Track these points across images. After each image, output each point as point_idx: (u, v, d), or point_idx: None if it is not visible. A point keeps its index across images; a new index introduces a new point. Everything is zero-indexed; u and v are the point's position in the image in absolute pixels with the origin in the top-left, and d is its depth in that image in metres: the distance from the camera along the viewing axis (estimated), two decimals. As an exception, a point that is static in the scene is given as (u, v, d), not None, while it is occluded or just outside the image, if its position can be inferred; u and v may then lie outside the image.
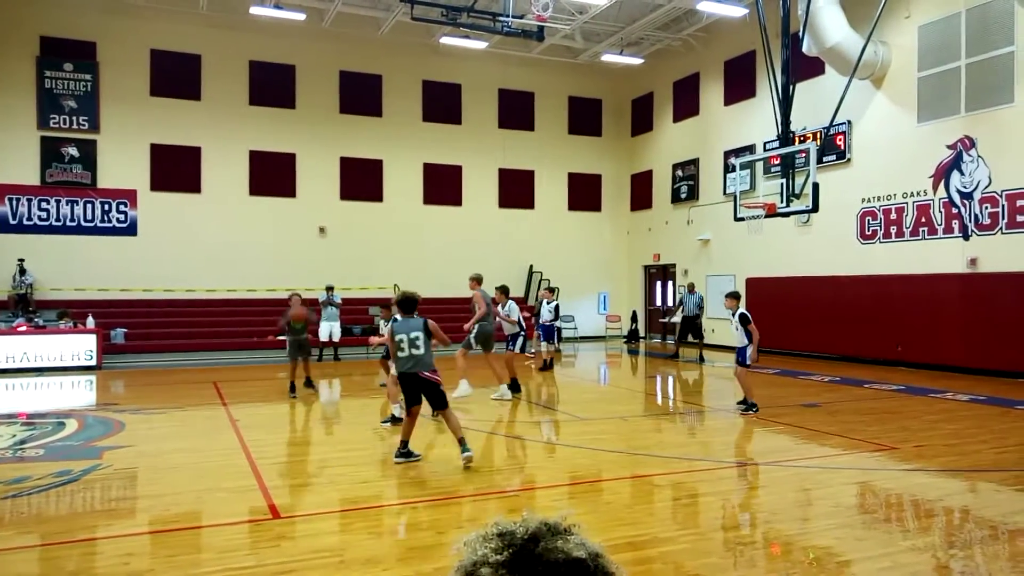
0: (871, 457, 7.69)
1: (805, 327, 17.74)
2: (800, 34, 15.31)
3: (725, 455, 8.17)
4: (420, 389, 7.30)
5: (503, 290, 12.72)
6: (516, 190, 24.03)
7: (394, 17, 19.63)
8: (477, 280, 11.91)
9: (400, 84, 22.50)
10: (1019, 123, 13.51)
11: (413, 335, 7.22)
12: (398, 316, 7.72)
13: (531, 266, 23.84)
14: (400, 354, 7.23)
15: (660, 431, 9.87)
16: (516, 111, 23.98)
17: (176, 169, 20.13)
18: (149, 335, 18.43)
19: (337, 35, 21.02)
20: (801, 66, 15.93)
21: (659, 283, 24.31)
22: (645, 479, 6.96)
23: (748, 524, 5.72)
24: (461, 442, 7.21)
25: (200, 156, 20.40)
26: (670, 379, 15.44)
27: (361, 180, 22.06)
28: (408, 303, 7.46)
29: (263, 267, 20.63)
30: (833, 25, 15.61)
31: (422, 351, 7.21)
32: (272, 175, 21.12)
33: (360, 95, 22.03)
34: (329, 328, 18.01)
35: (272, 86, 21.10)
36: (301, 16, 18.84)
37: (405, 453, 7.37)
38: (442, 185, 23.05)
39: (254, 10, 18.23)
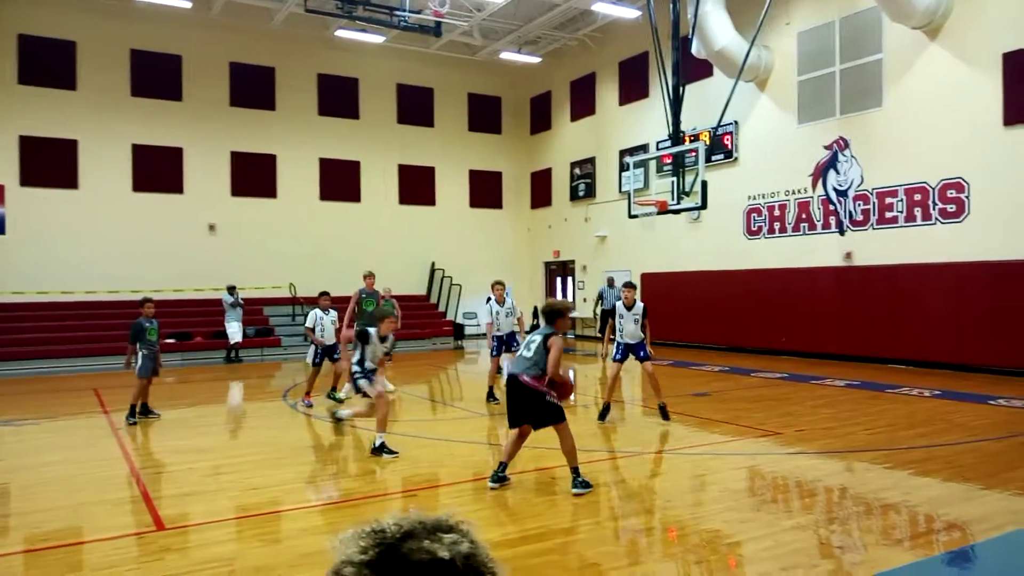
0: (757, 442, 8.06)
1: (696, 320, 18.44)
2: (690, 37, 15.89)
3: (621, 445, 8.37)
4: (520, 399, 6.31)
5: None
6: (417, 187, 23.82)
7: (287, 8, 19.05)
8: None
9: (294, 77, 21.86)
10: (887, 126, 14.49)
11: (533, 338, 6.41)
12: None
13: (433, 263, 23.71)
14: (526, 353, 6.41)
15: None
16: (415, 107, 23.76)
17: (50, 163, 18.82)
18: (21, 340, 17.15)
19: (227, 25, 20.21)
20: (691, 68, 16.53)
21: (559, 279, 24.68)
22: (546, 472, 7.03)
23: (644, 511, 5.88)
24: (574, 472, 6.27)
25: (77, 150, 19.14)
26: (571, 372, 15.70)
27: (253, 176, 21.30)
28: (551, 313, 6.56)
29: (148, 267, 19.59)
30: (720, 29, 16.29)
31: (531, 354, 6.30)
32: (157, 170, 20.07)
33: (252, 88, 21.26)
34: (237, 329, 17.55)
35: (156, 76, 20.04)
36: (187, 4, 17.99)
37: (501, 477, 6.44)
38: (340, 181, 22.56)
39: (134, -5, 17.28)
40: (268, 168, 21.54)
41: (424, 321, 22.30)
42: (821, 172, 15.79)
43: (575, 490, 6.14)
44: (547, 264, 25.02)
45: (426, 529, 0.91)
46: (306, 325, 11.24)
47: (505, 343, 11.20)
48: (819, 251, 15.81)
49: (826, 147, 15.65)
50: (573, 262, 23.67)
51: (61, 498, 6.31)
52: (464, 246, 24.20)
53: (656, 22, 14.79)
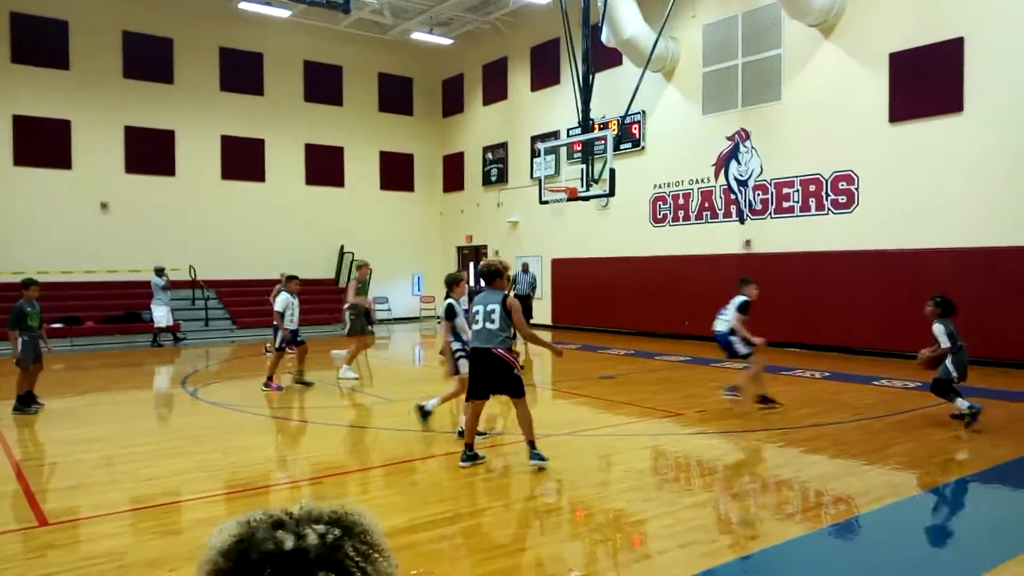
0: (660, 423, 8.31)
1: (604, 305, 18.80)
2: (600, 24, 16.06)
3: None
4: (491, 370, 6.30)
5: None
6: (324, 167, 23.21)
7: (186, -24, 18.12)
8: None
9: (194, 50, 20.84)
10: (785, 119, 15.12)
11: (490, 308, 6.27)
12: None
13: (342, 246, 23.21)
14: (474, 326, 6.36)
15: (463, 409, 9.99)
16: (323, 85, 23.11)
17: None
18: None
19: (119, -9, 19.04)
20: (601, 56, 16.73)
21: (472, 264, 24.63)
22: (453, 456, 7.02)
23: (551, 492, 5.95)
24: (531, 445, 6.41)
25: (-49, 119, 17.65)
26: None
27: (150, 152, 20.22)
28: (490, 274, 6.46)
29: (33, 246, 18.35)
30: (629, 18, 16.54)
31: (497, 326, 6.24)
32: (42, 144, 18.76)
33: (147, 59, 20.13)
34: (166, 313, 16.85)
35: (41, 43, 18.69)
36: (74, -34, 16.83)
37: (472, 456, 6.48)
38: (243, 159, 21.71)
39: (14, -46, 16.03)
40: (166, 144, 20.49)
41: (333, 306, 21.81)
42: (723, 162, 16.34)
43: (533, 462, 6.28)
44: (459, 248, 24.92)
45: (294, 520, 0.89)
46: (276, 309, 10.73)
47: None
48: (721, 239, 16.37)
49: (728, 138, 16.19)
50: (486, 247, 23.67)
51: (-70, 495, 5.84)
52: (375, 229, 23.78)
53: (567, 8, 14.87)
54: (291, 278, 11.07)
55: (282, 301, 10.74)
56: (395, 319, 23.68)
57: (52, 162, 18.89)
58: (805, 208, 14.82)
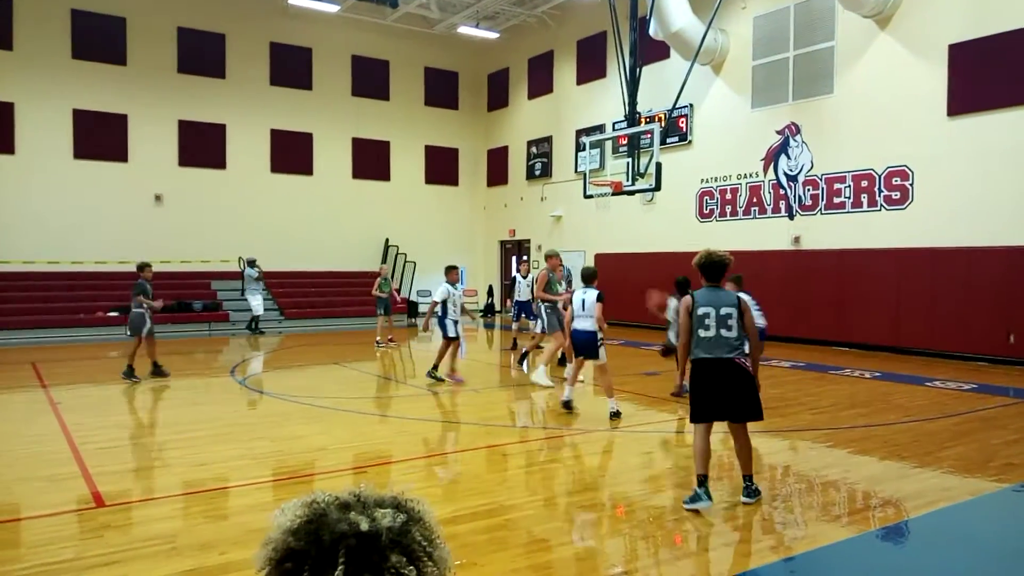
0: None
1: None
2: (648, 17, 15.89)
3: (572, 423, 8.44)
4: (732, 385, 5.31)
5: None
6: (371, 161, 23.46)
7: (238, -27, 18.46)
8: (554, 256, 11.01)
9: (245, 45, 21.23)
10: (837, 113, 14.77)
11: (724, 311, 5.34)
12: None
13: (387, 239, 23.44)
14: (703, 333, 5.33)
15: (513, 402, 10.05)
16: (370, 79, 23.33)
17: (-17, 127, 17.97)
18: (-47, 312, 16.48)
19: (174, -12, 19.49)
20: (648, 49, 16.55)
21: (515, 258, 24.66)
22: (496, 448, 7.05)
23: (593, 488, 5.94)
24: (748, 480, 5.39)
25: (12, 113, 18.32)
26: (521, 352, 15.74)
27: (202, 145, 20.69)
28: (717, 267, 5.61)
29: (90, 237, 18.95)
30: (677, 11, 16.32)
31: (734, 333, 5.32)
32: (100, 137, 19.33)
33: (201, 54, 20.58)
34: (260, 301, 17.44)
35: (99, 39, 19.23)
36: (132, -36, 17.27)
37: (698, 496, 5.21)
38: (292, 153, 22.08)
39: (76, -47, 16.52)
40: (217, 138, 20.95)
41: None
42: (773, 157, 16.04)
43: (746, 499, 5.31)
44: (502, 243, 24.97)
45: (361, 502, 0.90)
46: (434, 298, 10.72)
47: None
48: (769, 235, 16.09)
49: (778, 132, 15.88)
50: (528, 241, 23.67)
51: (-6, 474, 6.09)
52: (419, 223, 23.98)
53: (614, 1, 14.75)
54: (451, 268, 10.95)
55: (441, 291, 10.66)
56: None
57: (109, 155, 19.47)
58: (857, 204, 14.47)
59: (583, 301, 8.20)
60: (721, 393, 5.30)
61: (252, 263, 18.03)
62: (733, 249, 16.54)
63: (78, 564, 4.21)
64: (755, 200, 16.45)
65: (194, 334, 17.92)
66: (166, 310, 18.39)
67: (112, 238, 19.17)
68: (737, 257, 17.36)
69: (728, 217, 17.04)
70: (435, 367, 10.67)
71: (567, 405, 8.50)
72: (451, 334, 10.58)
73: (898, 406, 8.96)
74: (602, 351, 8.20)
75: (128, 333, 11.12)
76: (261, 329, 18.12)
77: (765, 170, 16.20)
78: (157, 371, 11.06)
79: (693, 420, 5.42)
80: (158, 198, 20.06)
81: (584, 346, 8.28)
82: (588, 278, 8.46)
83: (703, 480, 5.19)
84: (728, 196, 17.04)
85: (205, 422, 8.38)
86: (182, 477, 6.11)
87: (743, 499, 5.30)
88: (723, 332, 5.30)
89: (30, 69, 18.38)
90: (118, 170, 19.58)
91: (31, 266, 18.29)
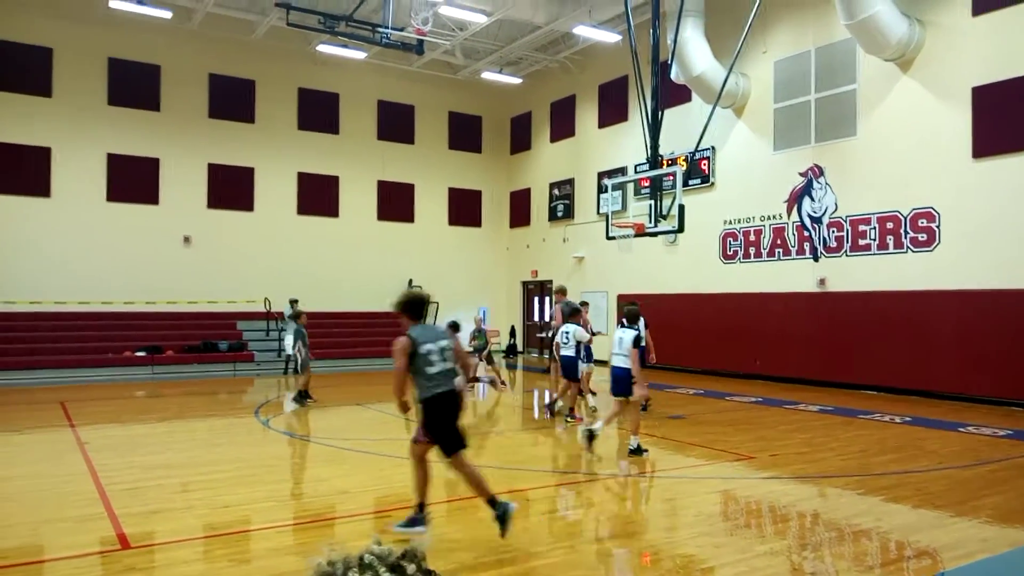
0: (731, 466, 8.08)
1: (672, 342, 18.48)
2: (669, 62, 16.10)
3: (596, 467, 8.35)
4: (456, 415, 5.67)
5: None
6: (395, 203, 23.77)
7: (268, 21, 19.03)
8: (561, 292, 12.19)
9: (275, 90, 21.78)
10: (861, 155, 14.76)
11: (443, 344, 5.61)
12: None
13: (411, 280, 23.58)
14: (431, 369, 5.52)
15: (535, 445, 9.97)
16: (396, 123, 23.77)
17: (20, 170, 18.50)
18: (-15, 351, 16.76)
19: (207, 36, 20.12)
20: (670, 93, 16.75)
21: (537, 299, 24.71)
22: (519, 493, 6.98)
23: (618, 535, 5.84)
24: (492, 504, 5.50)
25: (50, 157, 18.87)
26: (546, 393, 15.66)
27: (230, 188, 21.12)
28: (420, 304, 5.77)
29: (120, 278, 19.30)
30: (699, 55, 16.53)
31: (452, 364, 5.65)
32: (133, 180, 19.82)
33: (231, 100, 21.14)
34: (291, 341, 17.64)
35: (134, 86, 19.85)
36: (167, 14, 17.87)
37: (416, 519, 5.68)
38: (318, 196, 22.45)
39: (114, 4, 17.12)
40: (246, 181, 21.38)
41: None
42: (796, 199, 16.02)
43: (501, 530, 5.42)
44: (524, 283, 25.04)
45: (380, 560, 0.91)
46: (557, 340, 10.92)
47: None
48: (793, 276, 15.99)
49: (801, 174, 15.89)
50: (551, 282, 23.71)
51: (22, 514, 6.13)
52: (442, 263, 24.16)
53: (636, 47, 14.97)
54: (575, 310, 11.05)
55: (571, 332, 10.69)
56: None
57: (141, 198, 19.91)
58: (883, 246, 14.36)
59: (620, 339, 8.47)
60: (455, 425, 5.62)
61: (293, 303, 18.28)
62: (758, 291, 16.57)
63: (103, 607, 4.20)
64: (779, 242, 16.39)
65: (219, 374, 18.05)
66: (191, 350, 18.62)
67: (141, 279, 19.51)
68: (762, 299, 17.31)
69: (752, 259, 16.98)
70: (571, 409, 10.85)
71: (590, 436, 8.44)
72: (577, 375, 10.70)
73: (930, 452, 8.76)
74: (636, 389, 8.41)
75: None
76: (295, 368, 18.26)
77: (789, 212, 16.17)
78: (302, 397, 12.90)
79: (452, 452, 5.56)
80: (187, 239, 20.42)
81: (618, 382, 8.51)
82: (631, 318, 8.76)
83: (423, 507, 5.60)
84: (752, 238, 17.00)
85: (229, 463, 8.40)
86: (206, 519, 6.10)
87: (501, 530, 5.39)
88: (447, 365, 5.60)
89: (68, 115, 18.97)
90: (149, 212, 20.01)
91: (62, 306, 18.63)
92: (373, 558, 0.91)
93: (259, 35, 20.04)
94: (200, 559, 5.21)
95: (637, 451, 8.36)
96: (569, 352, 10.54)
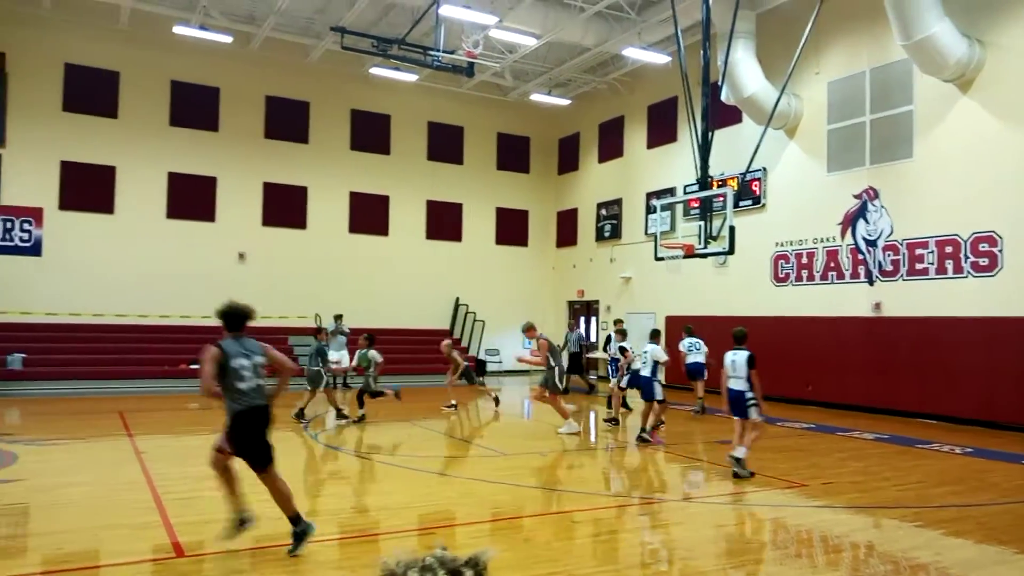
0: (782, 493, 7.90)
1: (721, 365, 18.20)
2: (719, 83, 16.01)
3: (642, 491, 8.25)
4: (264, 431, 5.75)
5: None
6: (444, 222, 24.05)
7: (324, 45, 19.54)
8: (532, 328, 12.58)
9: (328, 112, 22.31)
10: (918, 177, 14.42)
11: (257, 360, 5.76)
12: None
13: (457, 299, 23.80)
14: (241, 384, 5.61)
15: (580, 466, 9.90)
16: (445, 144, 24.10)
17: (88, 188, 19.29)
18: (50, 361, 17.41)
19: (264, 59, 20.73)
20: (720, 114, 16.63)
21: (583, 319, 24.62)
22: (564, 515, 6.94)
23: (664, 560, 5.76)
24: (295, 521, 5.62)
25: (115, 176, 19.62)
26: (591, 414, 15.55)
27: (284, 206, 21.65)
28: (240, 317, 5.87)
29: (178, 293, 19.87)
30: (750, 76, 16.40)
31: (264, 379, 5.83)
32: (191, 198, 20.48)
33: (286, 121, 21.72)
34: (339, 357, 17.91)
35: (194, 107, 20.56)
36: (228, 39, 18.51)
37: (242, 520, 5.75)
38: (369, 214, 22.85)
39: (178, 30, 17.81)
40: (299, 200, 21.88)
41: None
42: (850, 221, 15.70)
43: (294, 550, 5.52)
44: (571, 303, 24.99)
45: (423, 567, 0.94)
46: (665, 358, 11.45)
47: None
48: (847, 300, 15.64)
49: (855, 196, 15.58)
50: (597, 302, 23.63)
51: (82, 520, 6.33)
52: (489, 282, 24.29)
53: (686, 68, 14.93)
54: (656, 331, 12.05)
55: (652, 351, 11.23)
56: (506, 372, 23.87)
57: (199, 215, 20.54)
58: (941, 271, 13.96)
59: (733, 362, 8.64)
60: (264, 439, 5.64)
61: (338, 319, 18.71)
62: (811, 315, 16.24)
63: (158, 614, 4.31)
64: (832, 265, 16.06)
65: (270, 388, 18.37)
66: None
67: (198, 293, 20.03)
68: (815, 323, 16.94)
69: (805, 282, 16.67)
70: (643, 430, 10.87)
71: (737, 462, 8.39)
72: (659, 396, 10.92)
73: (993, 485, 8.43)
74: (752, 411, 8.50)
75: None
76: (348, 383, 18.63)
77: (843, 234, 15.85)
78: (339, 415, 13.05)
79: (262, 466, 5.66)
80: (242, 256, 20.96)
81: (735, 404, 8.63)
82: (739, 339, 8.89)
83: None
84: (804, 260, 16.70)
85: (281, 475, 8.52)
86: (256, 530, 6.21)
87: (293, 546, 5.46)
88: (259, 381, 5.67)
89: (132, 135, 19.73)
90: (206, 229, 20.62)
91: (123, 319, 19.26)
92: (435, 561, 0.94)
93: (314, 58, 20.58)
94: (250, 570, 5.30)
95: (740, 462, 8.37)
96: (647, 373, 11.03)
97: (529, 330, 12.51)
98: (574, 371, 17.75)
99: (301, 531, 5.56)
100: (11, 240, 18.53)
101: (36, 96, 18.75)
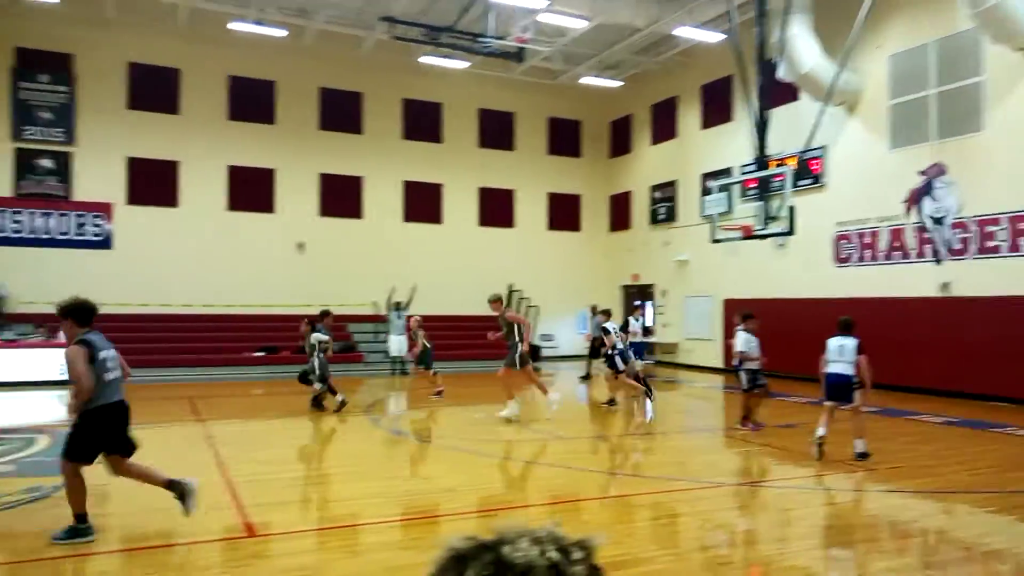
0: (848, 478, 7.75)
1: (782, 348, 17.84)
2: (775, 60, 15.61)
3: (703, 475, 8.19)
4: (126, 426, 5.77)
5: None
6: (496, 209, 24.11)
7: (375, 36, 19.72)
8: (498, 300, 12.20)
9: (380, 102, 22.53)
10: (988, 151, 13.83)
11: (113, 352, 5.78)
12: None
13: (510, 285, 23.83)
14: (107, 376, 5.60)
15: (638, 451, 9.87)
16: (496, 131, 24.11)
17: (153, 183, 19.94)
18: (123, 350, 17.89)
19: (318, 52, 21.03)
20: (777, 91, 16.21)
21: (637, 303, 24.41)
22: (623, 499, 6.95)
23: (727, 545, 5.72)
24: (172, 486, 5.76)
25: (177, 170, 20.24)
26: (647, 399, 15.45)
27: (340, 197, 22.01)
28: (89, 312, 5.89)
29: (240, 283, 20.43)
30: (807, 52, 15.94)
31: (121, 374, 5.85)
32: (250, 190, 20.99)
33: (340, 112, 22.03)
34: (398, 342, 18.13)
35: (251, 101, 21.03)
36: (282, 32, 18.84)
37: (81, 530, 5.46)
38: (422, 203, 23.06)
39: (233, 25, 18.20)
40: (354, 189, 22.22)
41: (500, 342, 22.38)
42: (916, 199, 15.18)
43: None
44: (625, 287, 24.82)
45: (535, 538, 0.96)
46: (738, 349, 10.73)
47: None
48: (914, 281, 15.14)
49: (921, 173, 15.04)
50: (652, 286, 23.41)
51: (160, 501, 6.59)
52: (541, 268, 24.27)
53: (740, 46, 14.61)
54: (747, 317, 10.91)
55: (743, 340, 10.68)
56: (561, 356, 23.88)
57: (258, 207, 21.06)
58: (1014, 248, 13.39)
59: (841, 347, 8.64)
60: (124, 433, 5.66)
61: (398, 306, 18.93)
62: (874, 296, 15.79)
63: (233, 590, 4.48)
64: (897, 244, 15.56)
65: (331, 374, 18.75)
66: (304, 351, 19.47)
67: (259, 283, 20.59)
68: (879, 304, 16.49)
69: (868, 262, 16.20)
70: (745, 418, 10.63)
71: (820, 443, 8.33)
72: (745, 386, 10.70)
73: (1072, 470, 8.10)
74: (857, 395, 8.50)
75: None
76: (405, 370, 18.90)
77: (908, 212, 15.33)
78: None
79: (87, 461, 5.52)
80: (300, 246, 21.41)
81: (839, 390, 8.61)
82: (846, 327, 8.87)
83: (85, 516, 5.39)
84: (867, 240, 16.23)
85: (341, 459, 8.75)
86: (322, 512, 6.40)
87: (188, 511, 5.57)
88: (118, 374, 5.67)
89: (193, 130, 20.30)
90: (265, 220, 21.12)
91: (189, 309, 19.91)
92: (547, 535, 0.96)
93: (366, 49, 20.79)
94: (317, 550, 5.47)
95: (864, 456, 8.25)
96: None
97: (494, 303, 12.08)
98: (596, 356, 17.03)
99: (184, 491, 5.66)
100: (84, 234, 19.35)
101: (103, 95, 19.44)
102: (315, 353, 12.24)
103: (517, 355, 11.56)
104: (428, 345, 14.40)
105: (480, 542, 0.95)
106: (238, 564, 5.03)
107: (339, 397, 12.11)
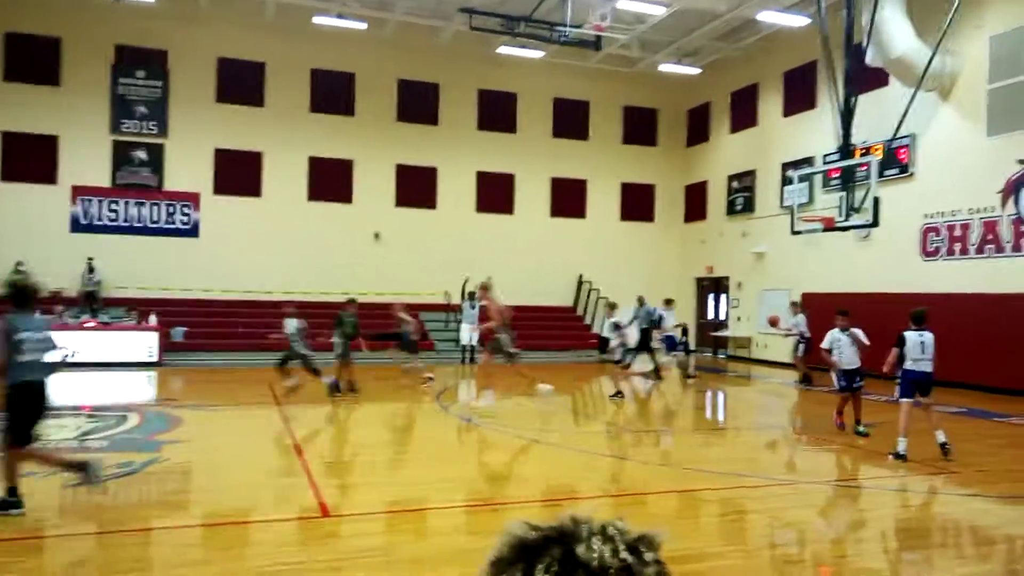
0: (930, 479, 7.45)
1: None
2: (864, 44, 14.99)
3: (774, 472, 8.02)
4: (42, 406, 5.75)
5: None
6: (568, 199, 24.03)
7: (453, 27, 19.89)
8: (485, 288, 12.31)
9: (456, 93, 22.75)
10: (1096, 138, 12.94)
11: (44, 335, 5.84)
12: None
13: (581, 276, 23.77)
14: (21, 357, 5.56)
15: (707, 446, 9.73)
16: (570, 120, 24.00)
17: (238, 173, 20.75)
18: (208, 334, 18.95)
19: (397, 44, 21.38)
20: (864, 77, 15.56)
21: (711, 296, 23.98)
22: (691, 493, 6.88)
23: (797, 543, 5.60)
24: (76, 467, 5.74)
25: (261, 161, 20.98)
26: (719, 394, 15.22)
27: (416, 187, 22.37)
28: (29, 295, 5.93)
29: (319, 271, 21.06)
30: (899, 35, 15.23)
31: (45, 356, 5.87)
32: (330, 181, 21.58)
33: (417, 103, 22.36)
34: (468, 331, 18.48)
35: (332, 93, 21.58)
36: (363, 25, 19.23)
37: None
38: (495, 193, 23.20)
39: (317, 19, 18.69)
40: (429, 180, 22.54)
41: (570, 333, 22.40)
42: (1013, 189, 14.35)
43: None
44: (699, 280, 24.38)
45: (604, 534, 0.94)
46: (823, 346, 10.28)
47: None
48: (1009, 276, 14.34)
49: (1020, 162, 14.20)
50: (727, 279, 22.91)
51: (239, 479, 6.92)
52: (613, 259, 24.05)
53: (827, 30, 14.08)
54: (842, 313, 10.45)
55: (829, 338, 10.33)
56: (632, 349, 23.62)
57: (337, 196, 21.63)
58: (1123, 242, 12.52)
59: (922, 343, 8.38)
60: (37, 417, 5.64)
61: (471, 295, 19.11)
62: (964, 291, 15.04)
63: (309, 567, 4.67)
64: (991, 237, 14.76)
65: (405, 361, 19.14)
66: (377, 337, 19.89)
67: (337, 272, 21.16)
68: (969, 299, 15.70)
69: (958, 256, 15.43)
70: (857, 422, 9.98)
71: (899, 456, 8.00)
72: (835, 386, 10.34)
73: None
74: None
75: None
76: (475, 358, 19.08)
77: (1004, 204, 14.51)
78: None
79: (25, 444, 5.55)
80: (377, 236, 21.90)
81: (924, 387, 8.33)
82: (921, 320, 8.69)
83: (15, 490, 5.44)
84: (958, 232, 15.45)
85: (411, 445, 8.95)
86: (394, 495, 6.57)
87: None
88: (41, 356, 5.69)
89: (276, 123, 20.98)
90: (344, 210, 21.68)
91: (269, 295, 20.64)
92: (617, 532, 0.96)
93: (444, 40, 21.01)
94: (387, 531, 5.63)
95: (945, 447, 8.06)
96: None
97: (481, 290, 12.05)
98: (643, 349, 16.40)
99: (84, 467, 5.70)
100: (173, 223, 20.31)
101: (193, 89, 20.31)
102: (296, 341, 12.24)
103: (502, 345, 11.85)
104: (409, 331, 14.72)
105: (544, 533, 0.95)
106: (314, 542, 5.23)
107: (295, 380, 12.13)
